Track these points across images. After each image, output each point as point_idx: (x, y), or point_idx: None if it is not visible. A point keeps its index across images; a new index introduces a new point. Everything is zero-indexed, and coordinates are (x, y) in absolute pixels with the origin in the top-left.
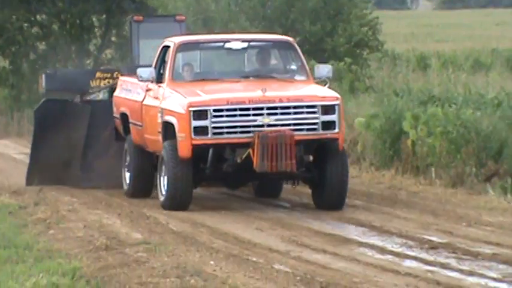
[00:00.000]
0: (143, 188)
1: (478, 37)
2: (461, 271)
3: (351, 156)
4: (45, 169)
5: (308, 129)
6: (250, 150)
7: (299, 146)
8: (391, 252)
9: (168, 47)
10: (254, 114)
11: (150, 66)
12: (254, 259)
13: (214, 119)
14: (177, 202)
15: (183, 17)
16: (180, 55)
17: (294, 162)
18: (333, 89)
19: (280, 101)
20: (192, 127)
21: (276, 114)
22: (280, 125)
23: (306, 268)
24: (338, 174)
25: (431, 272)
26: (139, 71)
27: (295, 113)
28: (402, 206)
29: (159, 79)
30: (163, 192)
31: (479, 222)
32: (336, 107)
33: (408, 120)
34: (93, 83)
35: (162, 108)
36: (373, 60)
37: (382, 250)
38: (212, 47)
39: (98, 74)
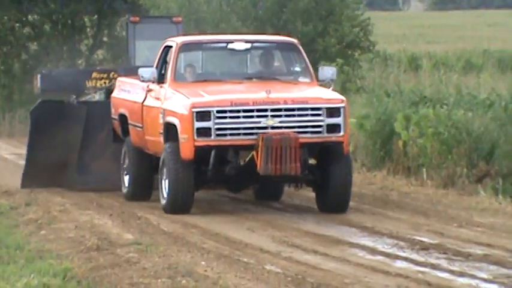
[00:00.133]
0: (142, 191)
1: (469, 38)
2: (452, 272)
3: None
4: (40, 171)
5: (313, 132)
6: (254, 152)
7: (303, 148)
8: (382, 253)
9: (170, 47)
10: (258, 116)
11: (146, 66)
12: (245, 260)
13: (217, 121)
14: (179, 205)
15: (180, 19)
16: (182, 55)
17: (299, 165)
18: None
19: (285, 102)
20: (195, 128)
21: (280, 116)
22: (285, 127)
23: (297, 269)
24: (342, 178)
25: (422, 272)
26: (141, 71)
27: (299, 115)
28: (393, 206)
29: (160, 79)
30: (165, 196)
31: (470, 223)
32: (341, 110)
33: (400, 121)
34: (89, 83)
35: (164, 109)
36: (365, 61)
37: (373, 251)
38: (215, 48)
39: (94, 74)
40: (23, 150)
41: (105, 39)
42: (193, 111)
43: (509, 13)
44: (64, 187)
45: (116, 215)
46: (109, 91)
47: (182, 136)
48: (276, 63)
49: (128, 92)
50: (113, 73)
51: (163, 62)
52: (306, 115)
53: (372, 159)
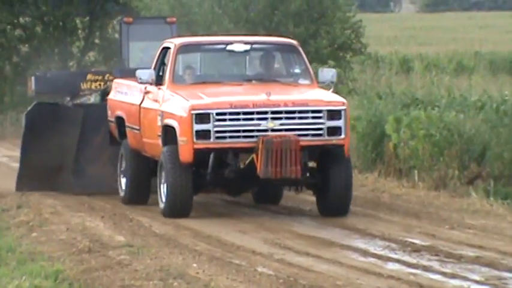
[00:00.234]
0: (140, 195)
1: (461, 40)
2: (443, 274)
3: None
4: (36, 175)
5: (313, 135)
6: (253, 155)
7: (304, 151)
8: (374, 255)
9: (168, 48)
10: (258, 119)
11: (140, 68)
12: (237, 262)
13: (217, 123)
14: (177, 209)
15: (174, 19)
16: (180, 57)
17: (299, 168)
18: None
19: (285, 105)
20: (194, 131)
21: (280, 118)
22: (285, 130)
23: (289, 271)
24: (342, 181)
25: (413, 274)
26: (139, 72)
27: (300, 118)
28: (385, 208)
29: (158, 81)
30: (163, 199)
31: (462, 225)
32: (342, 112)
33: (390, 124)
34: (84, 85)
35: (162, 111)
36: (356, 63)
37: (365, 253)
38: (214, 49)
39: (89, 76)
40: (15, 153)
41: (96, 41)
42: (192, 114)
43: (501, 15)
44: (60, 191)
45: (107, 217)
46: (104, 93)
47: (181, 139)
48: (275, 65)
49: (125, 94)
50: (108, 75)
51: (161, 64)
52: (307, 117)
53: (363, 161)
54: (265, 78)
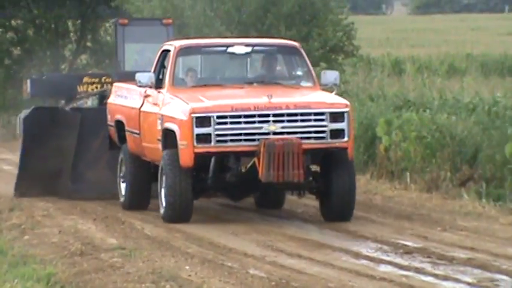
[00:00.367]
0: (140, 200)
1: (452, 42)
2: (436, 276)
3: None
4: (34, 180)
5: (316, 138)
6: (255, 159)
7: (306, 155)
8: (366, 257)
9: (168, 51)
10: (260, 122)
11: (137, 71)
12: (229, 264)
13: (217, 126)
14: (178, 214)
15: (170, 20)
16: (180, 59)
17: (302, 172)
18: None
19: (287, 107)
20: (195, 134)
21: (282, 121)
22: (287, 133)
23: (281, 273)
24: (346, 185)
25: (406, 276)
26: (138, 76)
27: (302, 121)
28: (377, 210)
29: (158, 84)
30: (163, 204)
31: (454, 226)
32: (345, 115)
33: (381, 126)
34: (80, 88)
35: (162, 115)
36: (348, 65)
37: (357, 255)
38: (214, 51)
39: (85, 79)
40: (6, 155)
41: (88, 44)
42: (192, 117)
43: (492, 17)
44: (58, 196)
45: (99, 219)
46: (103, 97)
47: (181, 142)
48: (277, 67)
49: (125, 97)
50: (105, 77)
51: (161, 67)
52: (309, 120)
53: (355, 164)
54: (266, 81)
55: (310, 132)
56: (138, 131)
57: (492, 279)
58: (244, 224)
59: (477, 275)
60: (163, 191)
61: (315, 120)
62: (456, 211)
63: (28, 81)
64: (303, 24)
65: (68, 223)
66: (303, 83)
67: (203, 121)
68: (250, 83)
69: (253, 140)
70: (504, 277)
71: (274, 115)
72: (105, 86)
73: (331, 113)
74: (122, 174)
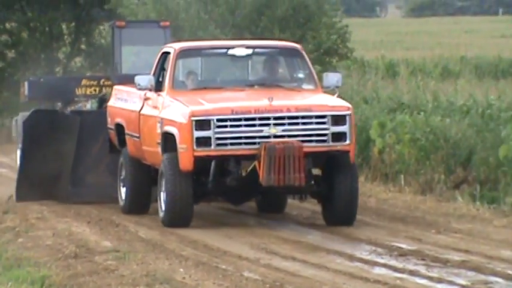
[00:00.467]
0: (140, 204)
1: (446, 45)
2: (430, 278)
3: None
4: (35, 184)
5: (317, 141)
6: (256, 162)
7: (308, 158)
8: (360, 260)
9: (168, 53)
10: (260, 125)
11: (136, 73)
12: (223, 267)
13: (217, 130)
14: (178, 218)
15: (167, 23)
16: (180, 62)
17: (303, 176)
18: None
19: (288, 110)
20: (194, 138)
21: (283, 124)
22: (288, 136)
23: (276, 275)
24: (348, 189)
25: (400, 279)
26: (138, 78)
27: (303, 124)
28: (371, 213)
29: (158, 87)
30: (163, 209)
31: (448, 229)
32: (347, 117)
33: (375, 129)
34: (78, 91)
35: (162, 118)
36: (343, 67)
37: (351, 257)
38: (214, 54)
39: (83, 82)
40: (1, 159)
41: (82, 46)
42: (192, 120)
43: (486, 20)
44: (58, 200)
45: (93, 222)
46: (102, 100)
47: (181, 146)
48: (278, 70)
49: (125, 100)
50: (103, 80)
51: (160, 69)
52: (310, 123)
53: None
54: (267, 83)
55: (311, 136)
56: (138, 135)
57: (486, 281)
58: (239, 226)
59: (471, 277)
60: (163, 195)
61: (316, 123)
62: (450, 213)
63: (26, 83)
64: (297, 27)
65: (62, 226)
66: (305, 86)
67: (203, 124)
68: (251, 85)
69: (254, 143)
70: (498, 279)
71: (275, 118)
72: (103, 89)
73: (333, 116)
74: (122, 178)
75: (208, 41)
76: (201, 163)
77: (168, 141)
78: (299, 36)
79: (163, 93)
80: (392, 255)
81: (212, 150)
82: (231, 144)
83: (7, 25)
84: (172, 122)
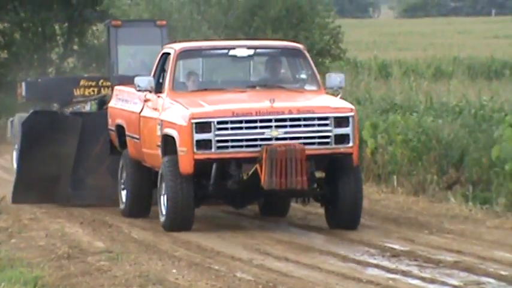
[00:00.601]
0: (141, 207)
1: (439, 45)
2: (422, 279)
3: None
4: (33, 186)
5: (320, 143)
6: (257, 165)
7: (310, 161)
8: (353, 260)
9: (168, 54)
10: (261, 127)
11: (135, 75)
12: (216, 267)
13: (218, 132)
14: (178, 222)
15: (164, 22)
16: (181, 63)
17: (305, 179)
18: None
19: (290, 112)
20: (195, 140)
21: (285, 126)
22: (290, 139)
23: (268, 276)
24: (352, 192)
25: (393, 279)
26: (137, 80)
27: (305, 126)
28: (364, 214)
29: (158, 89)
30: (163, 212)
31: (440, 230)
32: (350, 119)
33: (367, 129)
34: (77, 92)
35: (162, 120)
36: (335, 68)
37: (344, 258)
38: (215, 54)
39: (82, 82)
40: None
41: (75, 47)
42: (192, 122)
43: (479, 20)
44: (57, 203)
45: (86, 223)
46: (102, 101)
47: (181, 149)
48: (280, 71)
49: (126, 101)
50: (102, 81)
51: (160, 70)
52: (313, 125)
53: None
54: (269, 85)
55: (313, 138)
56: (138, 136)
57: (478, 282)
58: (232, 227)
59: (464, 278)
60: (163, 198)
61: (319, 125)
62: (443, 214)
63: (23, 84)
64: (290, 27)
65: (55, 226)
66: (307, 87)
67: (203, 127)
68: (252, 86)
69: (255, 146)
70: (490, 280)
71: (277, 120)
72: (102, 90)
73: (336, 118)
74: (122, 181)
75: (210, 42)
76: (201, 166)
77: (168, 143)
78: (292, 37)
79: (163, 95)
80: (385, 255)
81: (213, 153)
82: (232, 147)
83: (0, 25)
84: (172, 124)
